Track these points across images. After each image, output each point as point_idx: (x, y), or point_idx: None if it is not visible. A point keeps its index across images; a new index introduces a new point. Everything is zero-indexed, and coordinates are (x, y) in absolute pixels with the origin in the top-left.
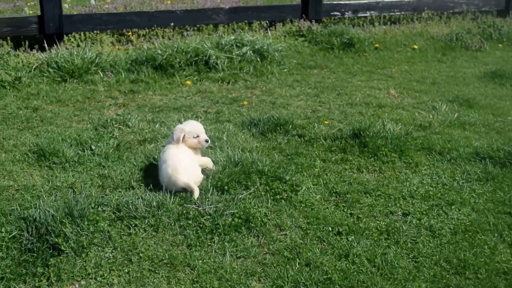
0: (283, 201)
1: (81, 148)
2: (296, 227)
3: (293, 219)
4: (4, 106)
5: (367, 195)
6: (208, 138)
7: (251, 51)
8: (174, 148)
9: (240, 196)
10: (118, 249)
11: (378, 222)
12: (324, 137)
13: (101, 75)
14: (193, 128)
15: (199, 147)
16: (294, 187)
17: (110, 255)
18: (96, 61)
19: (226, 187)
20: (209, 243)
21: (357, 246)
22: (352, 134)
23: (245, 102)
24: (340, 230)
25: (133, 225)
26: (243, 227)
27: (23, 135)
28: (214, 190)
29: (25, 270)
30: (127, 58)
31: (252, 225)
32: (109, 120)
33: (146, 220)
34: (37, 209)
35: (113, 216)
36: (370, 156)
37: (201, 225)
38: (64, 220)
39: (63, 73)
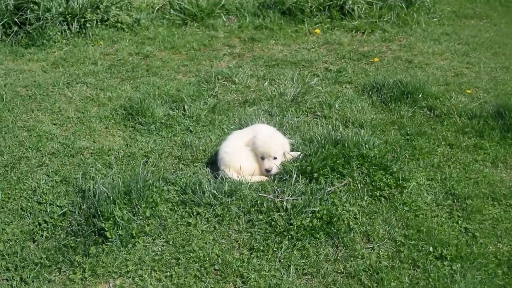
0: (382, 200)
1: (174, 107)
2: (389, 239)
3: (388, 228)
4: (115, 51)
5: (496, 203)
6: (271, 167)
7: None
8: (235, 139)
9: (330, 189)
10: (170, 242)
11: (501, 247)
12: (460, 113)
13: (224, 19)
14: (264, 149)
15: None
16: (401, 181)
17: (159, 249)
18: (222, 2)
19: (315, 174)
20: (275, 249)
21: (461, 280)
22: (495, 111)
23: (376, 59)
24: (445, 253)
25: (195, 213)
26: (321, 232)
27: (122, 87)
28: (301, 177)
29: (63, 257)
30: (255, 0)
31: (334, 230)
32: (215, 74)
33: (212, 208)
34: (96, 183)
35: (177, 199)
36: None
37: (272, 223)
38: (118, 201)
39: (185, 16)
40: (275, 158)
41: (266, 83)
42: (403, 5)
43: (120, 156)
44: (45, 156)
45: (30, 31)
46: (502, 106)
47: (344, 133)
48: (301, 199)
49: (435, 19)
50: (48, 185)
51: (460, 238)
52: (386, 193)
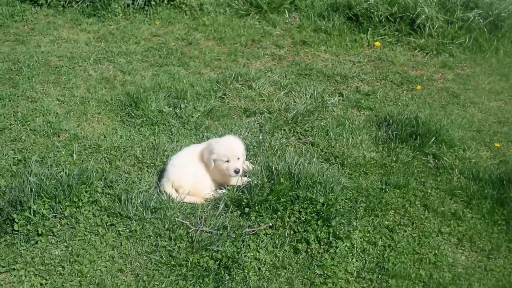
0: (302, 254)
1: (172, 103)
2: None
3: None
4: (164, 33)
5: None
6: (239, 168)
7: (479, 17)
8: (189, 153)
9: (248, 230)
10: (70, 249)
11: None
12: (462, 170)
13: (287, 16)
14: (226, 150)
15: (225, 174)
16: (334, 239)
17: (57, 253)
18: None
19: (247, 209)
20: (157, 283)
21: None
22: (498, 176)
23: (418, 87)
24: None
25: (108, 224)
26: (211, 276)
27: (144, 72)
28: (232, 207)
29: None
30: (327, 1)
31: (227, 277)
32: (236, 75)
33: (130, 221)
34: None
35: (103, 204)
36: None
37: (173, 253)
38: (43, 194)
39: (250, 7)
40: (238, 159)
41: (282, 94)
42: (485, 29)
43: (87, 146)
44: (26, 131)
45: (96, 1)
46: (508, 172)
47: (313, 168)
48: (215, 233)
49: None
50: (6, 162)
51: None
52: (309, 248)
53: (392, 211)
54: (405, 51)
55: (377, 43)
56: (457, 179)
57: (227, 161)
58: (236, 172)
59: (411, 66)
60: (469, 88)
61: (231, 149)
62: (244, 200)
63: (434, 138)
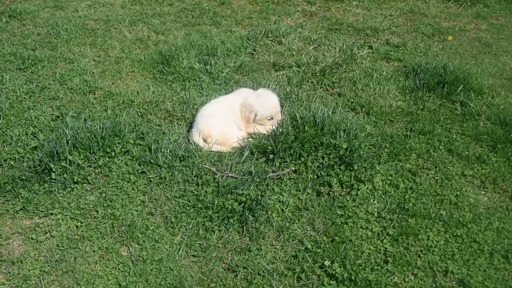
0: (324, 197)
1: (203, 60)
2: (297, 243)
3: (306, 231)
4: None
5: (442, 230)
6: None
7: None
8: (217, 104)
9: (271, 174)
10: (103, 195)
11: (407, 281)
12: (489, 116)
13: None
14: (269, 109)
15: (268, 128)
16: (356, 181)
17: (92, 199)
18: None
19: (271, 156)
20: (184, 224)
21: None
22: None
23: (450, 38)
24: (337, 271)
25: (139, 172)
26: (235, 217)
27: (177, 32)
28: (258, 155)
29: (10, 188)
30: None
31: (251, 218)
32: (266, 31)
33: (160, 169)
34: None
35: (136, 153)
36: None
37: (201, 197)
38: (78, 145)
39: None
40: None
41: (311, 48)
42: None
43: (121, 101)
44: (64, 90)
45: None
46: None
47: (338, 117)
48: (240, 178)
49: None
50: (44, 119)
51: (370, 258)
52: (331, 191)
53: (416, 155)
54: (438, 3)
55: None
56: (483, 125)
57: (271, 118)
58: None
59: (443, 17)
60: (503, 37)
61: (274, 107)
62: (269, 147)
63: (462, 86)
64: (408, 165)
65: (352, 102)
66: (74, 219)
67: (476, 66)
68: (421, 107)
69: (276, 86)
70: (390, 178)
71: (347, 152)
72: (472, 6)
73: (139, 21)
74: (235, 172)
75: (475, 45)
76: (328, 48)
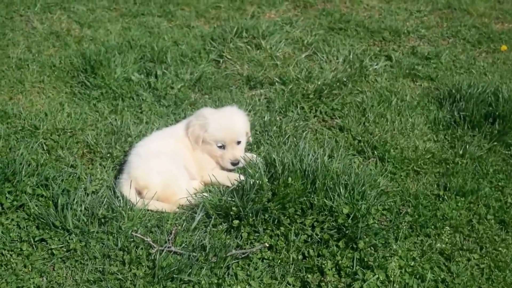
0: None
1: (145, 68)
2: None
3: None
4: None
5: None
6: (238, 158)
7: None
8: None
9: (234, 252)
10: None
11: None
12: None
13: None
14: (223, 131)
15: (219, 163)
16: (360, 268)
17: None
18: None
19: (235, 222)
20: None
21: None
22: None
23: (504, 47)
24: None
25: (37, 239)
26: None
27: (112, 25)
28: (216, 218)
29: None
30: None
31: None
32: (240, 30)
33: (69, 236)
34: None
35: (35, 210)
36: None
37: (125, 284)
38: None
39: None
40: (238, 143)
41: (303, 56)
42: None
43: (19, 128)
44: None
45: None
46: None
47: (337, 164)
48: (188, 256)
49: None
50: None
51: None
52: (323, 281)
53: (451, 228)
54: None
55: None
56: None
57: (223, 146)
58: (234, 164)
59: (494, 17)
60: None
61: (231, 130)
62: (234, 208)
63: None
64: (439, 244)
65: (359, 141)
66: None
67: None
68: (460, 153)
69: (250, 111)
70: (413, 263)
71: (349, 221)
72: None
73: (56, 6)
74: (180, 246)
75: None
76: (327, 58)
